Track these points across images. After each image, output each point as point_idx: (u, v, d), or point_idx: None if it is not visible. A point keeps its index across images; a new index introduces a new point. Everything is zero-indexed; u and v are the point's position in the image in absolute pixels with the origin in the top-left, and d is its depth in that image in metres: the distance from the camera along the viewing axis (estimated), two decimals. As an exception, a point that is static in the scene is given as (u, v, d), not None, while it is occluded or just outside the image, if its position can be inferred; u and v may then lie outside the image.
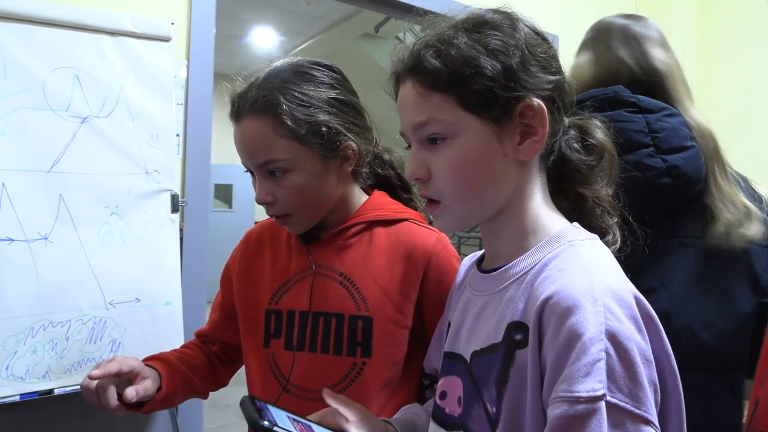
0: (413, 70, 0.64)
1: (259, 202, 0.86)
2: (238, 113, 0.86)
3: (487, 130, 0.62)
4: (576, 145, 0.67)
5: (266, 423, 0.57)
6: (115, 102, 1.51)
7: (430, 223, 0.94)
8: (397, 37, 5.70)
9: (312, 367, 0.87)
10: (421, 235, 0.89)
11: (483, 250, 0.75)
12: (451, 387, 0.67)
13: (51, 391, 1.39)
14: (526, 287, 0.60)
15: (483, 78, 0.60)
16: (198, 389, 1.00)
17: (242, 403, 0.61)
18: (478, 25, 0.62)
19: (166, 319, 1.54)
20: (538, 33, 0.65)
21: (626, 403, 0.50)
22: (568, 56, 1.35)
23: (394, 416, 0.79)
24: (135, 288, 1.51)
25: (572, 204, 0.69)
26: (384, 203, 0.94)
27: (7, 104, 1.37)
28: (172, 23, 1.61)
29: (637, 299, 0.55)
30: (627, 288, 0.55)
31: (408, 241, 0.89)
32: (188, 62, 1.69)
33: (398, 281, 0.87)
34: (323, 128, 0.84)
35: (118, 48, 1.52)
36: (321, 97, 0.85)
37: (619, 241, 0.68)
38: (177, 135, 1.64)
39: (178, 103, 1.65)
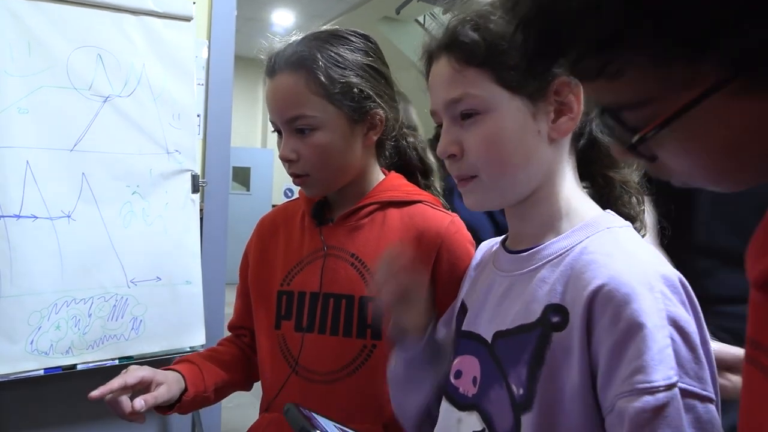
0: (449, 45, 0.63)
1: (283, 158, 0.86)
2: (273, 68, 0.86)
3: (522, 107, 0.60)
4: None
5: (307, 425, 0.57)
6: (137, 81, 1.51)
7: (447, 208, 0.93)
8: (416, 20, 5.64)
9: (321, 348, 0.86)
10: (435, 218, 0.88)
11: (503, 236, 0.74)
12: (467, 366, 0.66)
13: (74, 366, 1.42)
14: (564, 270, 0.59)
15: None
16: (236, 383, 1.00)
17: (287, 412, 0.60)
18: (516, 3, 0.61)
19: (186, 298, 1.56)
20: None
21: (694, 386, 0.51)
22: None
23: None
24: (156, 267, 1.52)
25: (599, 189, 0.68)
26: (399, 184, 0.93)
27: (30, 83, 1.38)
28: (194, 2, 1.60)
29: (682, 283, 0.55)
30: (674, 273, 0.55)
31: (421, 223, 0.88)
32: (209, 42, 1.69)
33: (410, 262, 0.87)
34: (355, 90, 0.85)
35: (140, 27, 1.52)
36: (356, 61, 0.86)
37: (647, 228, 0.66)
38: (198, 115, 1.64)
39: (199, 84, 1.65)
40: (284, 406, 0.63)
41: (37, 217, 1.39)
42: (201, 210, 1.65)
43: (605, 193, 0.68)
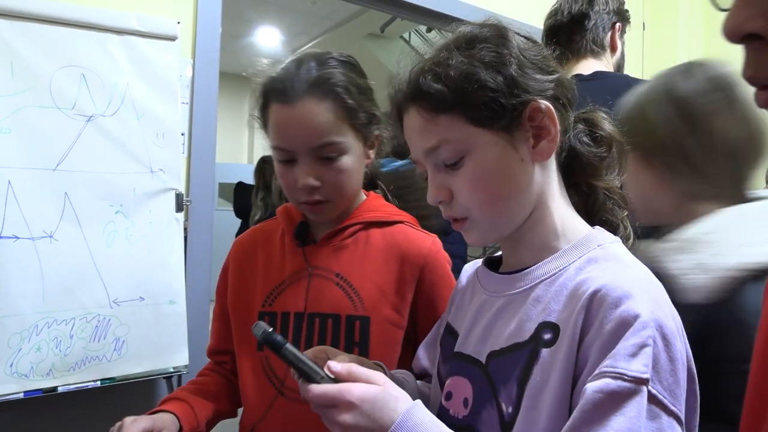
0: (415, 96, 0.64)
1: (305, 187, 0.84)
2: (292, 94, 0.82)
3: (500, 140, 0.62)
4: (585, 139, 0.68)
5: (279, 338, 0.60)
6: (121, 101, 1.51)
7: (422, 227, 0.94)
8: (402, 37, 5.70)
9: None
10: (417, 238, 0.90)
11: (486, 256, 0.75)
12: (458, 388, 0.67)
13: (55, 388, 1.40)
14: (559, 288, 0.60)
15: (486, 90, 0.60)
16: (225, 413, 0.99)
17: (255, 326, 0.62)
18: (469, 42, 0.63)
19: (170, 318, 1.54)
20: (527, 38, 0.66)
21: (665, 397, 0.50)
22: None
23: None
24: (139, 287, 1.51)
25: (584, 197, 0.69)
26: (379, 205, 0.95)
27: (13, 102, 1.38)
28: (178, 22, 1.61)
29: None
30: (665, 290, 0.57)
31: (403, 243, 0.89)
32: (194, 61, 1.69)
33: (394, 282, 0.87)
34: (368, 114, 0.87)
35: (123, 47, 1.52)
36: (365, 84, 0.89)
37: (632, 235, 0.68)
38: (182, 134, 1.64)
39: (183, 102, 1.66)
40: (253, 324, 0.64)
41: (18, 237, 1.38)
42: (185, 229, 1.65)
43: (590, 201, 0.69)
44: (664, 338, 0.51)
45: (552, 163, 0.66)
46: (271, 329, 0.61)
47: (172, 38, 1.60)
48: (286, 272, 0.92)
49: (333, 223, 0.91)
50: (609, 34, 1.44)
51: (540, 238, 0.65)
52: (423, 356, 0.82)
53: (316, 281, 0.89)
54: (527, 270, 0.64)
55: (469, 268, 0.80)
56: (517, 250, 0.68)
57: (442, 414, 0.68)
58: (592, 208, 0.69)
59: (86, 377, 1.43)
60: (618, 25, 1.45)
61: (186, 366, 1.56)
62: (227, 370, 1.01)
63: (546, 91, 0.63)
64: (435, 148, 0.63)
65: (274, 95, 0.83)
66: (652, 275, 0.59)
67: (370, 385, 0.57)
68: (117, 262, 1.48)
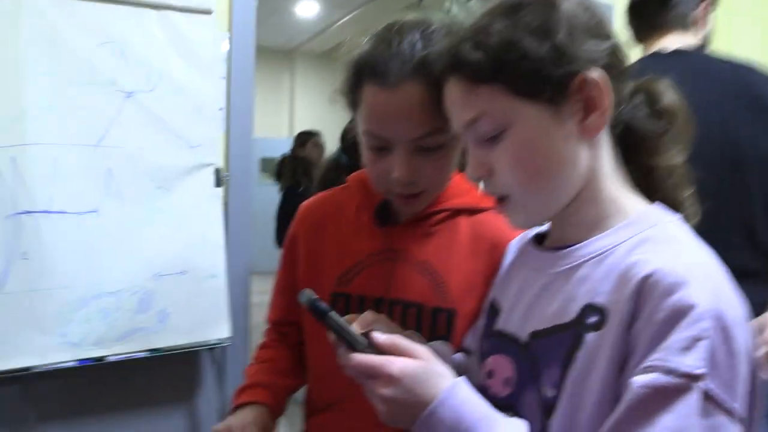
0: (454, 66, 0.60)
1: (401, 180, 0.75)
2: (393, 75, 0.71)
3: (544, 114, 0.57)
4: (643, 112, 0.63)
5: (324, 305, 0.60)
6: (159, 76, 1.52)
7: None
8: (441, 9, 5.57)
9: None
10: (508, 229, 0.81)
11: (534, 230, 0.72)
12: (500, 367, 0.65)
13: (103, 358, 1.45)
14: (608, 269, 0.56)
15: (529, 60, 0.56)
16: (294, 388, 0.96)
17: (301, 294, 0.62)
18: (513, 7, 0.58)
19: (211, 292, 1.57)
20: (581, 1, 0.60)
21: (721, 393, 0.46)
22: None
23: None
24: (181, 261, 1.54)
25: (643, 176, 0.64)
26: (466, 189, 0.87)
27: (55, 80, 1.40)
28: (214, -4, 1.60)
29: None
30: (728, 274, 0.52)
31: (494, 233, 0.83)
32: (230, 35, 1.68)
33: (483, 273, 0.81)
34: None
35: (160, 22, 1.52)
36: None
37: (698, 215, 0.62)
38: (220, 109, 1.64)
39: (220, 77, 1.66)
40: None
41: (66, 213, 1.42)
42: (225, 204, 1.66)
43: (648, 179, 0.64)
44: (724, 330, 0.47)
45: (602, 139, 0.61)
46: (316, 297, 0.60)
47: (208, 12, 1.59)
48: (363, 252, 0.85)
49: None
50: (697, 8, 1.34)
51: (589, 216, 0.61)
52: (470, 334, 0.80)
53: (399, 266, 0.83)
54: (573, 247, 0.60)
55: (516, 242, 0.77)
56: (564, 226, 0.64)
57: (483, 392, 0.66)
58: (653, 187, 0.64)
59: (133, 347, 1.48)
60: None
61: (229, 338, 1.59)
62: (292, 342, 0.97)
63: (598, 59, 0.57)
64: (474, 120, 0.59)
65: (370, 74, 0.73)
66: (714, 259, 0.54)
67: (414, 360, 0.56)
68: (158, 236, 1.51)
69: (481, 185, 0.63)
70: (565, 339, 0.56)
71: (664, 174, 0.63)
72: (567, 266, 0.60)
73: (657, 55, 1.30)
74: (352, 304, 0.84)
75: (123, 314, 1.47)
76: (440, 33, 0.73)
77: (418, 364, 0.56)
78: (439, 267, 0.82)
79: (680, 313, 0.47)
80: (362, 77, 0.74)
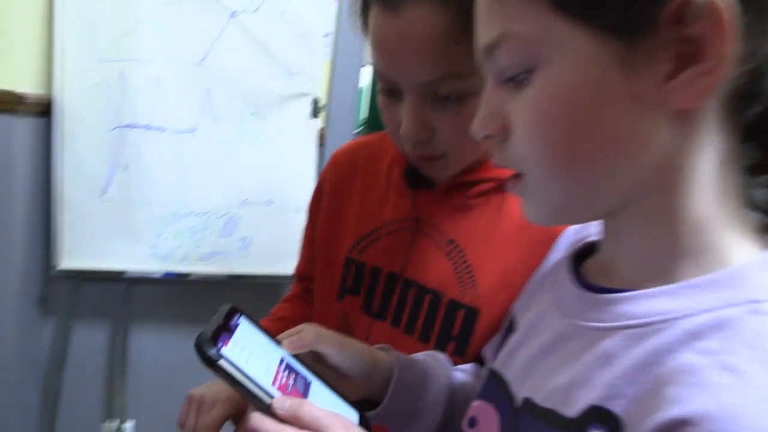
0: None
1: (408, 135, 0.60)
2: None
3: (604, 51, 0.35)
4: None
5: (212, 352, 0.41)
6: (262, -5, 1.45)
7: None
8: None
9: (391, 344, 0.67)
10: None
11: (591, 227, 0.52)
12: (485, 419, 0.49)
13: (188, 275, 1.51)
14: (647, 357, 0.35)
15: None
16: None
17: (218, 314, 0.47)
18: None
19: (295, 225, 1.54)
20: None
21: None
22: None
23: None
24: (268, 190, 1.52)
25: None
26: None
27: (159, -5, 1.40)
28: None
29: None
30: None
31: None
32: (346, -47, 1.55)
33: (528, 270, 0.61)
34: None
35: (269, -64, 1.43)
36: None
37: None
38: (325, 35, 1.54)
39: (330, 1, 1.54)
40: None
41: (165, 129, 1.45)
42: (322, 136, 1.59)
43: None
44: None
45: (708, 118, 0.36)
46: (210, 335, 0.42)
47: (322, -74, 1.46)
48: (387, 216, 0.72)
49: (459, 171, 0.68)
50: None
51: (655, 245, 0.39)
52: (490, 345, 0.63)
53: (421, 241, 0.69)
54: (615, 295, 0.39)
55: (571, 235, 0.55)
56: (615, 247, 0.43)
57: None
58: None
59: (215, 269, 1.52)
60: None
61: (307, 274, 1.57)
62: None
63: None
64: (493, 45, 0.39)
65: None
66: None
67: None
68: (249, 162, 1.50)
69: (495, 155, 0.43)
70: None
71: None
72: (596, 325, 0.40)
73: None
74: (364, 275, 0.72)
75: (208, 235, 1.50)
76: None
77: None
78: (469, 252, 0.65)
79: None
80: None
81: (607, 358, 0.37)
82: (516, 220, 0.65)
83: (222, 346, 0.42)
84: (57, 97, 1.36)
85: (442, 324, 0.65)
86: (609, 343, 0.37)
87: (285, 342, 0.51)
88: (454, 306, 0.65)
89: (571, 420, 0.38)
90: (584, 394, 0.37)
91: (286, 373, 0.47)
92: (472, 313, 0.64)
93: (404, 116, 0.59)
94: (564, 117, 0.37)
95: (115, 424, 1.59)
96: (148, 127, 1.43)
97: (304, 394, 0.46)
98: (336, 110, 1.61)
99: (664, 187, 0.37)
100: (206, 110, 1.46)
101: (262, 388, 0.42)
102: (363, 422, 0.49)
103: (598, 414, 0.36)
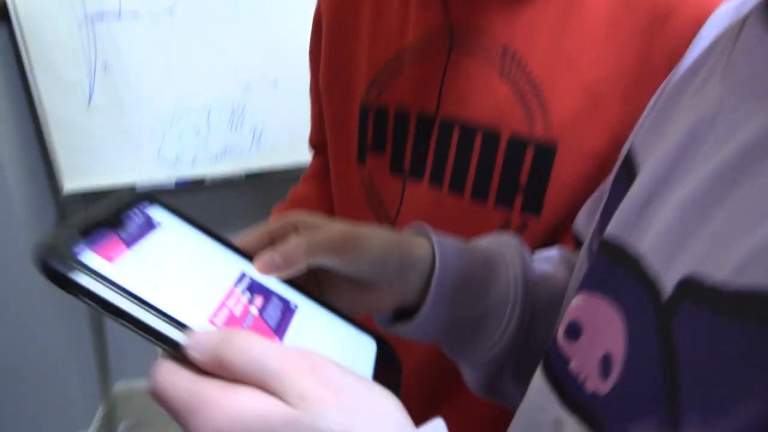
0: None
1: None
2: None
3: None
4: None
5: (55, 261, 0.22)
6: None
7: None
8: None
9: (433, 211, 0.51)
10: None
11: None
12: (598, 321, 0.27)
13: (202, 181, 1.37)
14: None
15: None
16: None
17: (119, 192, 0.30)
18: None
19: (307, 107, 1.34)
20: None
21: None
22: None
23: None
24: (272, 70, 1.32)
25: None
26: None
27: None
28: None
29: None
30: None
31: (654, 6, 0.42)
32: None
33: (627, 76, 0.43)
34: None
35: None
36: None
37: None
38: None
39: None
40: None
41: (138, 13, 1.23)
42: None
43: None
44: None
45: None
46: (56, 243, 0.23)
47: None
48: (409, 37, 0.52)
49: None
50: None
51: None
52: (584, 211, 0.42)
53: (461, 59, 0.49)
54: None
55: (722, 17, 0.31)
56: None
57: (553, 363, 0.30)
58: None
59: (228, 168, 1.36)
60: None
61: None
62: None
63: None
64: None
65: None
66: None
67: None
68: (245, 39, 1.28)
69: None
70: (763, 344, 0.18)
71: None
72: None
73: None
74: (388, 124, 0.53)
75: (214, 133, 1.33)
76: None
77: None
78: (533, 62, 0.45)
79: None
80: None
81: None
82: (600, 8, 0.43)
83: (89, 251, 0.24)
84: (5, -6, 1.17)
85: (503, 172, 0.47)
86: None
87: (256, 263, 0.33)
88: (518, 144, 0.46)
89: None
90: None
91: (246, 297, 0.29)
92: (547, 150, 0.45)
93: None
94: None
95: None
96: (118, 16, 1.22)
97: (279, 328, 0.29)
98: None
99: None
100: (180, -18, 1.23)
101: (167, 319, 0.23)
102: (383, 355, 0.32)
103: None
